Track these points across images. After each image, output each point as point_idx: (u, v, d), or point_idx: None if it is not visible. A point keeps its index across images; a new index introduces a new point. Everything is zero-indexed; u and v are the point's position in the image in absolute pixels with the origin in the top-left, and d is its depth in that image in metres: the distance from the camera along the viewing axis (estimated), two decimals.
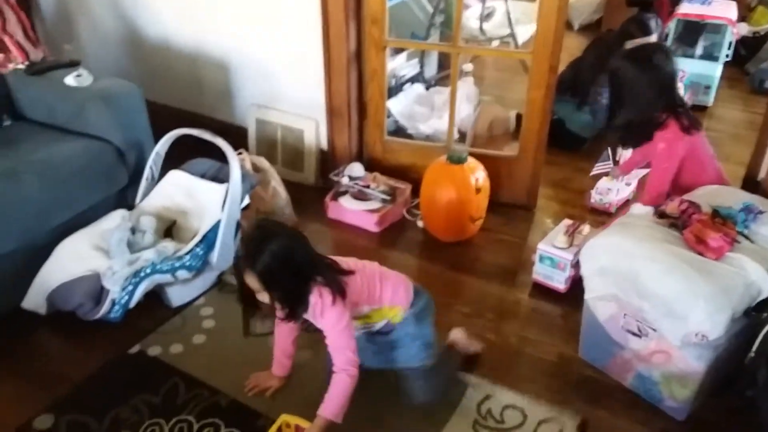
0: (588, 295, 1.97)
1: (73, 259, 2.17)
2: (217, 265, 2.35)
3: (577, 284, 2.19)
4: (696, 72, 3.77)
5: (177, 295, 2.29)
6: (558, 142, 3.14)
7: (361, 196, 2.84)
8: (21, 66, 2.68)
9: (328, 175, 2.93)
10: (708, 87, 3.85)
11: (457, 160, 2.54)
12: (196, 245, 2.26)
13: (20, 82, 2.57)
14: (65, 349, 2.13)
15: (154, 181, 2.50)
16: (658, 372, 1.84)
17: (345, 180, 2.86)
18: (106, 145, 2.42)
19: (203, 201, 2.40)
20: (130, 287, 2.11)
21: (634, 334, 1.86)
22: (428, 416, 1.85)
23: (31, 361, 2.06)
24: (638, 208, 2.03)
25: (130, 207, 2.46)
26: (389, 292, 1.78)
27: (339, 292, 1.64)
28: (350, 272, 1.71)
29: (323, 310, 1.65)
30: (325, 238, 2.74)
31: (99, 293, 2.09)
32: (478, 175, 2.56)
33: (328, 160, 3.05)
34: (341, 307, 1.65)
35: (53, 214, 2.24)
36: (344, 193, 2.87)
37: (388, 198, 2.81)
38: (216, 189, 2.37)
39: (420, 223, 2.79)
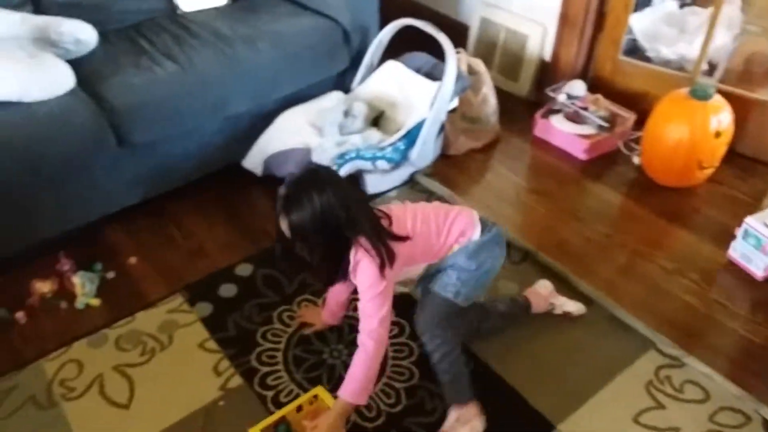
0: None
1: (290, 131, 2.33)
2: (416, 162, 2.37)
3: None
4: None
5: (373, 183, 2.37)
6: None
7: (575, 118, 2.62)
8: None
9: (544, 89, 2.73)
10: None
11: (701, 95, 2.19)
12: (399, 139, 2.29)
13: None
14: (272, 209, 2.32)
15: (372, 69, 2.53)
16: None
17: (562, 97, 2.65)
18: (335, 25, 2.48)
19: (413, 96, 2.39)
20: (335, 167, 2.22)
21: None
22: (597, 365, 1.75)
23: (242, 214, 2.31)
24: None
25: (346, 90, 2.54)
26: (451, 240, 1.60)
27: (382, 259, 1.44)
28: (405, 238, 1.52)
29: (358, 270, 1.47)
30: (525, 157, 2.61)
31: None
32: (721, 117, 2.20)
33: (548, 73, 2.83)
34: (380, 272, 1.45)
35: (281, 84, 2.39)
36: (557, 111, 2.67)
37: (605, 125, 2.56)
38: (428, 86, 2.34)
39: (636, 160, 2.52)
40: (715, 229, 2.20)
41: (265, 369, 1.75)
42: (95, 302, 1.92)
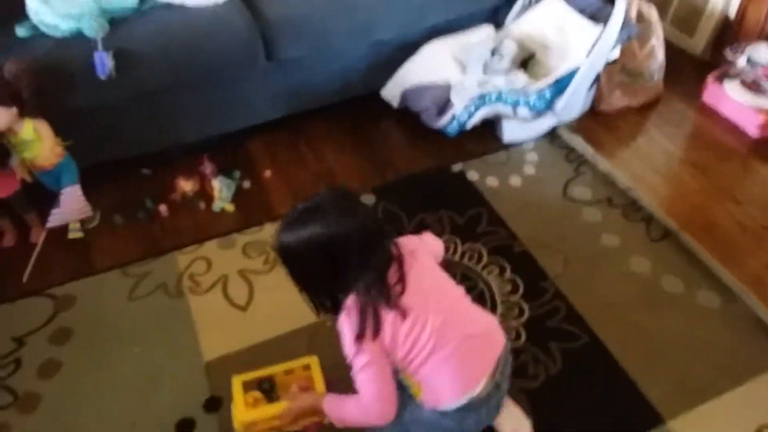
0: None
1: (432, 63, 2.26)
2: (560, 114, 2.21)
3: None
4: None
5: (510, 131, 2.25)
6: None
7: (753, 87, 2.30)
8: None
9: (722, 49, 2.41)
10: None
11: None
12: (547, 86, 2.14)
13: None
14: (402, 143, 2.31)
15: (530, 4, 2.36)
16: None
17: (742, 61, 2.32)
18: None
19: (571, 40, 2.20)
20: (472, 108, 2.13)
21: None
22: (727, 365, 1.59)
23: (373, 144, 2.30)
24: None
25: (498, 26, 2.40)
26: (427, 370, 1.21)
27: (362, 327, 1.16)
28: (402, 311, 1.18)
29: (340, 331, 1.21)
30: (687, 124, 2.35)
31: (444, 103, 2.17)
32: None
33: (729, 32, 2.49)
34: (356, 343, 1.17)
35: (430, 13, 2.29)
36: (734, 77, 2.36)
37: None
38: (589, 29, 2.14)
39: None
40: None
41: None
42: (230, 207, 2.03)
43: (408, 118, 2.32)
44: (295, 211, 1.21)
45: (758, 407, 1.51)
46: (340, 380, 1.32)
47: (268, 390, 1.43)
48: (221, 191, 2.02)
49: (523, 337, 1.67)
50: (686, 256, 1.85)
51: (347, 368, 1.22)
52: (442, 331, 1.20)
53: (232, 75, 2.07)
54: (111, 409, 1.53)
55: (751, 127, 2.25)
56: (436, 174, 2.17)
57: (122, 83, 1.87)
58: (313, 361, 1.46)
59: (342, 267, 1.18)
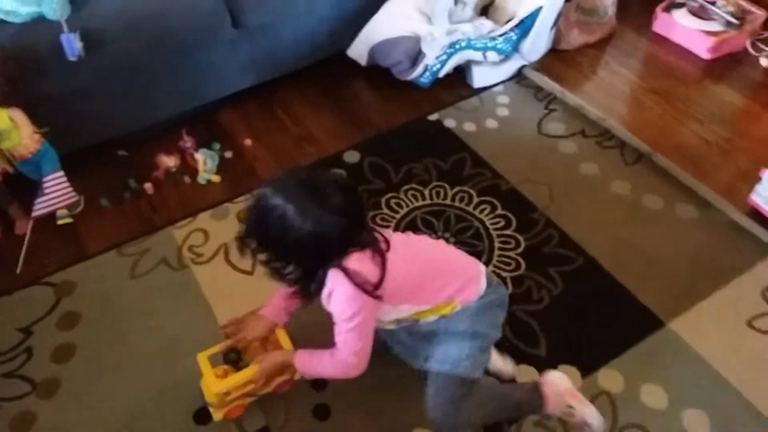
0: None
1: (398, 17, 2.28)
2: (526, 55, 2.28)
3: None
4: None
5: (480, 76, 2.31)
6: None
7: (700, 14, 2.43)
8: None
9: None
10: None
11: None
12: (512, 29, 2.20)
13: None
14: (376, 100, 2.33)
15: None
16: None
17: None
18: None
19: None
20: (444, 56, 2.17)
21: None
22: (712, 268, 1.72)
23: (347, 103, 2.32)
24: None
25: None
26: (450, 290, 1.27)
27: (368, 284, 1.17)
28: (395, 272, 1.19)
29: (334, 297, 1.19)
30: (643, 55, 2.46)
31: (416, 55, 2.20)
32: None
33: None
34: (358, 297, 1.18)
35: None
36: (681, 5, 2.48)
37: (735, 22, 2.36)
38: None
39: (765, 62, 2.33)
40: None
41: None
42: (216, 178, 2.02)
43: (377, 75, 2.34)
44: (290, 177, 1.15)
45: (746, 302, 1.65)
46: (308, 340, 1.34)
47: (235, 360, 1.41)
48: (206, 163, 2.01)
49: (523, 266, 1.75)
50: (661, 175, 1.96)
51: (319, 326, 1.25)
52: (443, 253, 1.34)
53: (199, 44, 2.04)
54: (135, 380, 1.53)
55: (702, 50, 2.38)
56: (415, 125, 2.20)
57: (93, 63, 1.82)
58: (277, 328, 1.43)
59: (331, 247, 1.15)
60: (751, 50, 2.40)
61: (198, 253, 1.81)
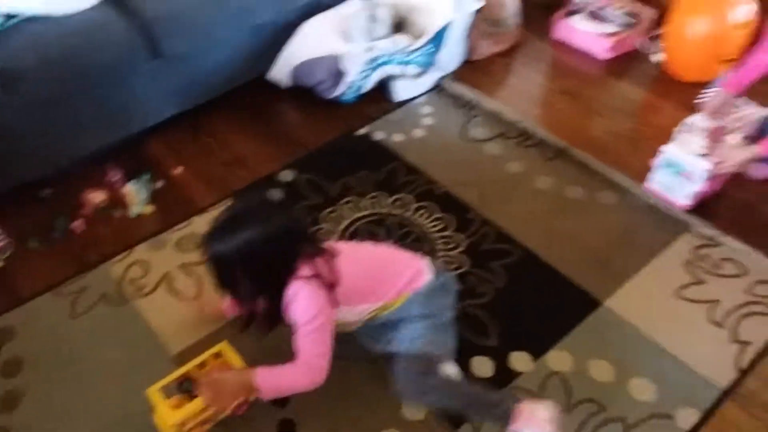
0: None
1: (316, 39, 2.33)
2: (443, 66, 2.39)
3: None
4: None
5: (401, 90, 2.39)
6: None
7: (597, 17, 2.63)
8: None
9: None
10: None
11: None
12: (427, 42, 2.30)
13: None
14: (303, 119, 2.36)
15: None
16: None
17: None
18: None
19: None
20: (366, 72, 2.24)
21: None
22: (637, 247, 1.85)
23: (274, 125, 2.33)
24: None
25: None
26: (400, 284, 1.43)
27: (324, 283, 1.31)
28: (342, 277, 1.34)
29: (296, 302, 1.30)
30: (546, 60, 2.63)
31: (338, 73, 2.25)
32: (744, 7, 2.23)
33: None
34: (319, 298, 1.30)
35: None
36: (577, 11, 2.68)
37: (631, 21, 2.58)
38: None
39: (655, 58, 2.56)
40: None
41: None
42: (149, 209, 1.97)
43: (301, 94, 2.38)
44: (218, 223, 1.27)
45: (671, 273, 1.78)
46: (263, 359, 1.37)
47: (189, 389, 1.37)
48: (137, 194, 1.96)
49: (468, 264, 1.82)
50: (579, 167, 2.10)
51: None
52: (389, 253, 1.52)
53: (119, 76, 2.01)
54: (87, 421, 1.46)
55: (601, 51, 2.58)
56: (344, 141, 2.25)
57: (10, 102, 1.76)
58: (224, 346, 1.45)
59: (281, 257, 1.29)
60: (643, 48, 2.62)
61: (140, 285, 1.75)
